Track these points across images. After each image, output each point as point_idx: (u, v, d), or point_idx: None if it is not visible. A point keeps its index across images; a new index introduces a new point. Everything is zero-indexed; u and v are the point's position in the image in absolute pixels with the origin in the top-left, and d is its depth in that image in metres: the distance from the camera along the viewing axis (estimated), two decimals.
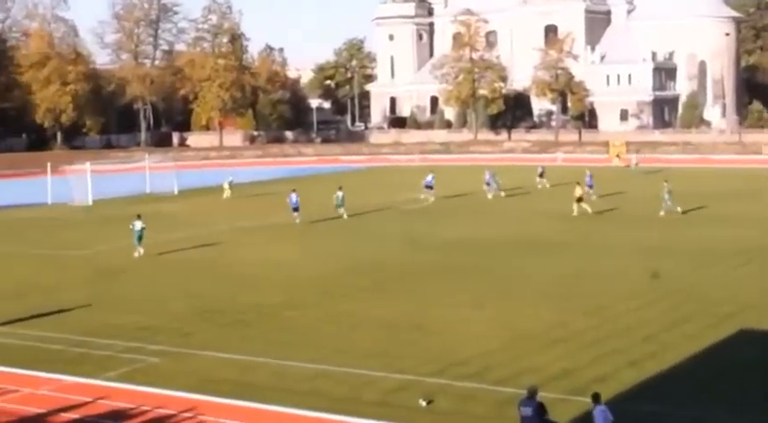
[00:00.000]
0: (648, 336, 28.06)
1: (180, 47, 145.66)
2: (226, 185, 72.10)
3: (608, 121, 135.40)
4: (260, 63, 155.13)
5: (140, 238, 45.44)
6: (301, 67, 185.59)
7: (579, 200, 55.94)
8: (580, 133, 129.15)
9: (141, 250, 45.14)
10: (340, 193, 57.59)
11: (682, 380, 24.05)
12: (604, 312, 31.35)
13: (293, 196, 56.52)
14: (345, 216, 56.67)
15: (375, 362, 25.91)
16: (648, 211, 55.74)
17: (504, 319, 30.58)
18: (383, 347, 27.50)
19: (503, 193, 66.76)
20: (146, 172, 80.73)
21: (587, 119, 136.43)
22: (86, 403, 23.20)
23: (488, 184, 67.80)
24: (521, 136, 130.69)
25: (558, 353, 26.42)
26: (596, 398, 18.24)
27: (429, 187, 66.08)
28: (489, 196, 66.54)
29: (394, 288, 36.32)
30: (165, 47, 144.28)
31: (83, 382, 24.88)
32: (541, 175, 73.72)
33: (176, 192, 77.05)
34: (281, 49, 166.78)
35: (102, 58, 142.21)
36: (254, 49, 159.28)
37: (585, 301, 32.93)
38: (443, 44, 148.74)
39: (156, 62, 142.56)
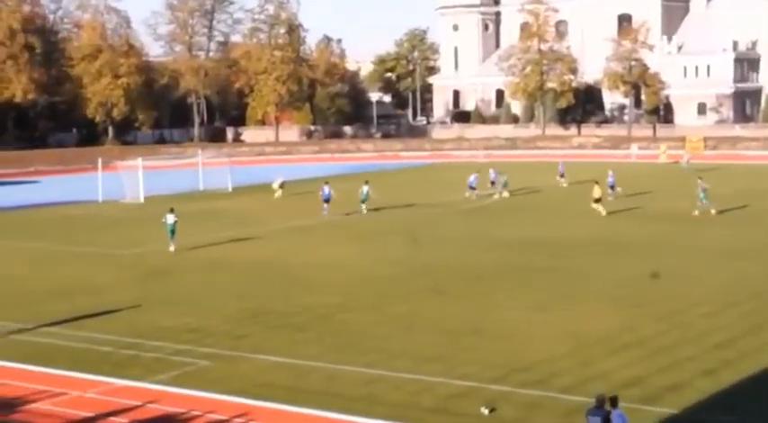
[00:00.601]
0: (723, 342, 27.75)
1: (235, 38, 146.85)
2: (275, 186, 72.11)
3: (685, 116, 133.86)
4: (318, 55, 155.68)
5: (173, 232, 46.73)
6: (361, 59, 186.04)
7: (597, 200, 56.23)
8: (654, 128, 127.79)
9: (173, 246, 46.56)
10: (365, 188, 60.02)
11: (760, 390, 23.73)
12: (676, 317, 31.04)
13: (326, 188, 59.60)
14: (365, 211, 59.17)
15: (433, 367, 25.91)
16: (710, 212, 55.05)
17: (570, 323, 30.41)
18: (442, 352, 27.48)
19: (507, 194, 65.93)
20: (199, 168, 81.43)
21: (662, 113, 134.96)
22: (135, 407, 23.50)
23: (493, 182, 67.37)
24: (591, 131, 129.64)
25: (627, 359, 26.22)
26: (614, 401, 18.18)
27: (472, 188, 66.34)
28: (495, 196, 65.88)
29: (453, 290, 36.30)
30: (220, 38, 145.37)
31: (131, 386, 25.21)
32: (562, 175, 73.35)
33: (230, 189, 77.66)
34: (340, 40, 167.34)
35: (155, 51, 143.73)
36: (311, 40, 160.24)
37: (656, 305, 32.64)
38: (510, 34, 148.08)
39: (211, 54, 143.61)
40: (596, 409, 18.12)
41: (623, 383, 23.99)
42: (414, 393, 23.94)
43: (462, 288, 36.67)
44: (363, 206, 59.75)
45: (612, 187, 63.61)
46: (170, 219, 46.97)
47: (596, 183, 57.64)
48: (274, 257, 44.92)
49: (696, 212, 54.58)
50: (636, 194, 65.51)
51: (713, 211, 54.40)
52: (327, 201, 59.18)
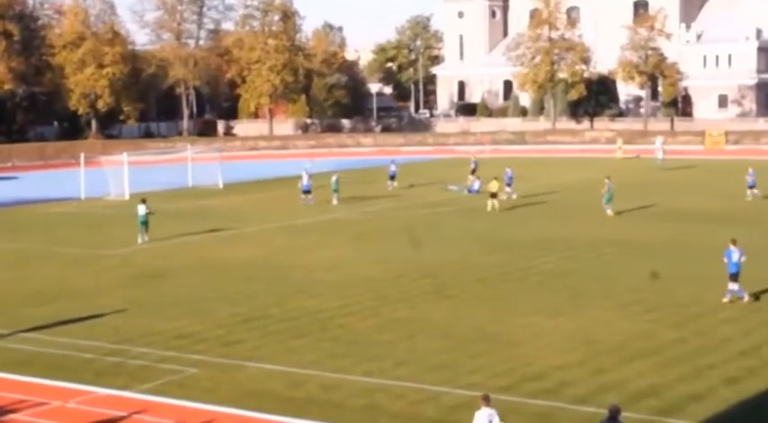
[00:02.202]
0: (746, 350, 27.73)
1: (227, 26, 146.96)
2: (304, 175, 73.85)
3: (704, 108, 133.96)
4: (315, 43, 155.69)
5: (144, 224, 48.55)
6: (360, 48, 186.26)
7: (493, 196, 58.60)
8: (672, 122, 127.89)
9: (146, 237, 48.52)
10: (334, 178, 64.16)
11: None
12: (695, 322, 31.03)
13: (305, 177, 64.02)
14: (335, 202, 62.89)
15: (438, 375, 25.89)
16: (728, 208, 54.96)
17: (582, 329, 30.40)
18: (446, 359, 27.46)
19: (514, 196, 65.65)
20: (188, 164, 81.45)
21: (681, 105, 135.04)
22: (119, 418, 23.46)
23: (509, 184, 66.99)
24: (604, 125, 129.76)
25: (644, 367, 26.19)
26: (617, 412, 18.05)
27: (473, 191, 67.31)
28: (512, 196, 65.69)
29: (458, 293, 36.28)
30: (211, 26, 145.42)
31: (116, 395, 25.16)
32: (473, 172, 72.89)
33: (221, 186, 77.66)
34: (341, 28, 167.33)
35: (141, 39, 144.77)
36: (308, 27, 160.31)
37: (673, 310, 32.62)
38: (519, 22, 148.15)
39: (201, 43, 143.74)
40: (610, 421, 18.08)
41: (639, 393, 23.97)
42: (416, 403, 23.91)
43: (468, 291, 36.65)
44: (335, 196, 63.61)
45: (752, 187, 62.51)
46: (141, 210, 48.72)
47: (495, 178, 59.58)
48: (268, 258, 44.91)
49: (609, 212, 55.41)
50: (646, 192, 65.51)
51: (609, 213, 55.21)
52: (307, 192, 63.82)
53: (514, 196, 64.13)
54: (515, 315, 32.59)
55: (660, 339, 29.02)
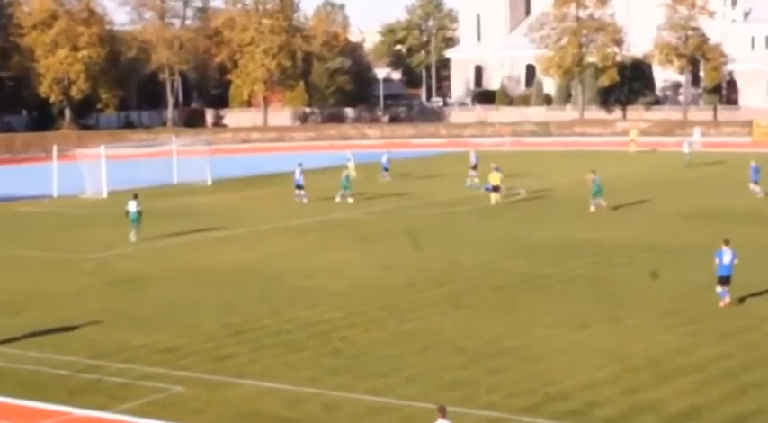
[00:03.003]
0: None
1: (216, 3, 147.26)
2: (351, 165, 76.45)
3: (752, 95, 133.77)
4: (315, 24, 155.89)
5: (135, 222, 50.40)
6: (365, 29, 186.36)
7: (495, 189, 61.80)
8: (715, 110, 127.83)
9: (135, 236, 50.15)
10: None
11: None
12: (741, 336, 31.03)
13: (298, 171, 65.01)
14: (350, 200, 63.82)
15: (452, 394, 25.90)
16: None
17: (613, 343, 30.40)
18: (462, 376, 27.50)
19: (604, 204, 65.56)
20: (173, 157, 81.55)
21: (725, 93, 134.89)
22: None
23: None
24: (639, 114, 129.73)
25: (683, 386, 26.20)
26: None
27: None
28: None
29: (474, 303, 36.31)
30: (198, 3, 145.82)
31: (93, 416, 25.21)
32: (474, 168, 73.33)
33: (210, 182, 77.76)
34: (343, 6, 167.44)
35: (120, 18, 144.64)
36: (307, 6, 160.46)
37: (716, 321, 32.63)
38: None
39: (187, 23, 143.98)
40: None
41: (677, 415, 24.00)
42: None
43: (485, 301, 36.68)
44: (348, 193, 64.53)
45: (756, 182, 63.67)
46: (132, 206, 50.52)
47: (495, 169, 62.10)
48: (262, 263, 44.97)
49: (592, 208, 57.62)
50: (679, 190, 65.52)
51: (603, 204, 57.64)
52: (300, 187, 65.16)
53: (603, 204, 64.28)
54: (538, 327, 32.59)
55: (701, 354, 29.01)
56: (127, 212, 50.92)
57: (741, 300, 35.02)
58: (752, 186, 63.60)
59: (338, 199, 64.05)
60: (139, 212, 50.63)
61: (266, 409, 25.44)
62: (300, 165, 66.16)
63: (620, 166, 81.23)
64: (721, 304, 34.33)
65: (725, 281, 34.40)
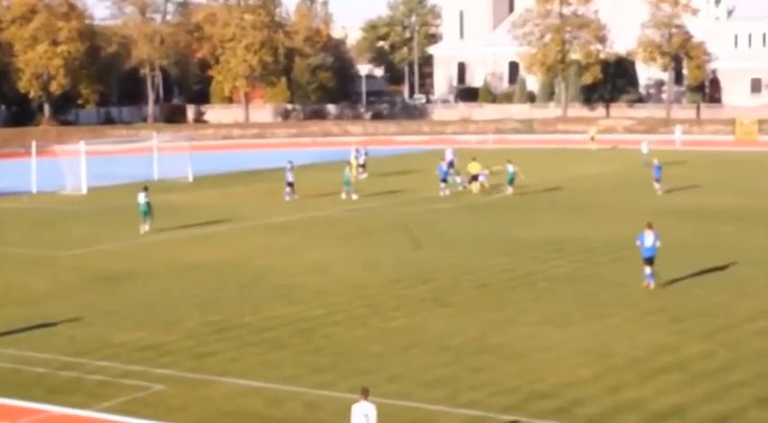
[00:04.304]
0: None
1: None
2: (354, 162, 76.17)
3: (735, 94, 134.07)
4: (297, 19, 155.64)
5: (145, 214, 51.66)
6: (348, 25, 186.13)
7: (474, 178, 66.14)
8: (699, 109, 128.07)
9: (147, 227, 51.51)
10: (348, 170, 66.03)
11: None
12: (724, 334, 31.12)
13: (288, 168, 65.28)
14: (354, 196, 64.23)
15: (435, 392, 25.94)
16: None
17: (598, 341, 30.48)
18: (445, 374, 27.51)
19: (510, 191, 65.56)
20: (153, 154, 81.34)
21: (708, 91, 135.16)
22: None
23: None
24: (622, 112, 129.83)
25: (666, 385, 26.27)
26: None
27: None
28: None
29: (458, 301, 36.35)
30: None
31: (72, 414, 25.16)
32: (451, 165, 72.87)
33: (191, 179, 77.61)
34: (325, 2, 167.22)
35: (100, 12, 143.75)
36: (289, 1, 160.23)
37: (699, 320, 32.72)
38: None
39: (168, 18, 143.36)
40: None
41: (660, 413, 24.06)
42: None
43: (469, 298, 36.73)
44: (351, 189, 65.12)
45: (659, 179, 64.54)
46: (141, 198, 52.03)
47: (473, 159, 65.60)
48: (244, 260, 44.91)
49: (509, 191, 63.33)
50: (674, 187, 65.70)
51: (509, 191, 62.96)
52: (290, 184, 64.64)
53: (509, 191, 64.39)
54: (522, 325, 32.64)
55: (685, 353, 29.09)
56: (138, 204, 52.33)
57: (670, 283, 37.41)
58: (656, 185, 64.47)
59: (343, 195, 64.51)
60: (148, 204, 51.78)
61: (248, 407, 25.40)
62: (291, 162, 66.03)
63: (596, 164, 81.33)
64: (644, 284, 36.86)
65: (649, 261, 36.84)
